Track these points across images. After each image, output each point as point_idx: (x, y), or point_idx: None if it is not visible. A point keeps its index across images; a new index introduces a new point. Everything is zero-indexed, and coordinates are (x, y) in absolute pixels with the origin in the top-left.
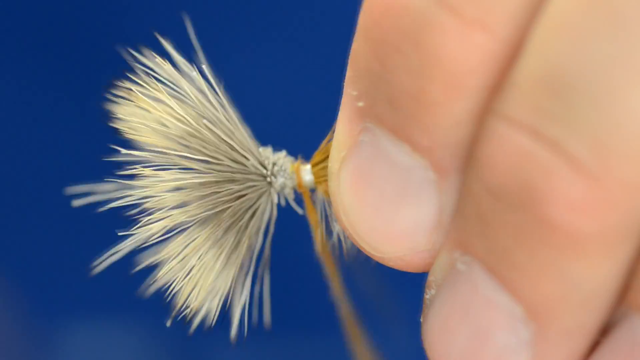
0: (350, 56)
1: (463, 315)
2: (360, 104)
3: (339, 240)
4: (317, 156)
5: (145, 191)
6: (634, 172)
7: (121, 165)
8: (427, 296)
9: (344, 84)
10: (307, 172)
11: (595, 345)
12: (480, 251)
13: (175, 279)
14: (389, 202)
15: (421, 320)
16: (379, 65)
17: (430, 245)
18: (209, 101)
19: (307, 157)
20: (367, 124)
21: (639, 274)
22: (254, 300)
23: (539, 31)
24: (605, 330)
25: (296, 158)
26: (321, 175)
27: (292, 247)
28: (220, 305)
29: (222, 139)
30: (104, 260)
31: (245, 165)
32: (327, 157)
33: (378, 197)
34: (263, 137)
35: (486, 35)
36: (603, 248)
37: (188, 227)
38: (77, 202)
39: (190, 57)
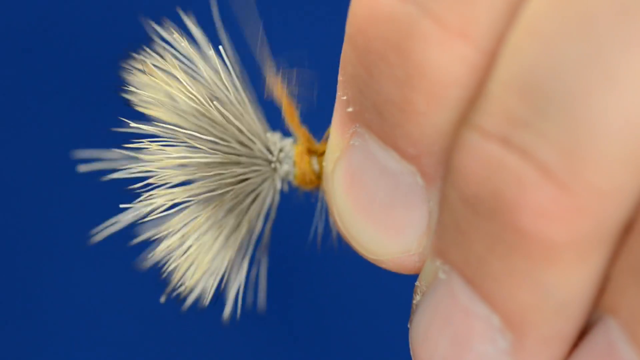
0: (340, 61)
1: (443, 324)
2: (350, 109)
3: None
4: (322, 146)
5: (150, 165)
6: (604, 178)
7: (129, 137)
8: (414, 302)
9: (337, 87)
10: (314, 162)
11: (573, 348)
12: (458, 260)
13: (173, 256)
14: (380, 206)
15: (408, 325)
16: (365, 72)
17: (421, 248)
18: (222, 81)
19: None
20: (357, 128)
21: (613, 278)
22: (250, 284)
23: (512, 37)
24: (582, 333)
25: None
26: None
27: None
28: (215, 285)
29: (231, 121)
30: (103, 230)
31: (252, 149)
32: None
33: (369, 200)
34: (276, 121)
35: (468, 45)
36: (575, 255)
37: (189, 206)
38: (83, 168)
39: (214, 35)
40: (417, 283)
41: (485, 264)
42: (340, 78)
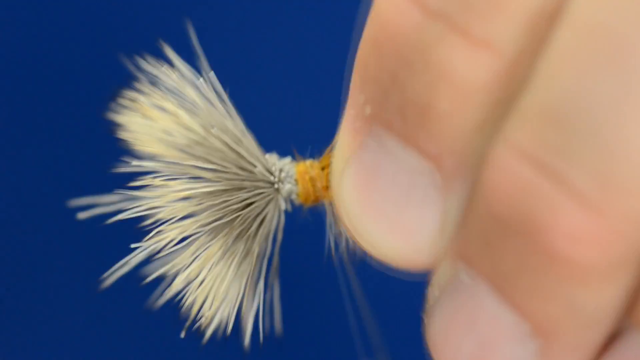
0: (357, 62)
1: (469, 326)
2: (368, 110)
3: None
4: (323, 161)
5: (154, 202)
6: (637, 205)
7: (129, 176)
8: (430, 295)
9: (350, 87)
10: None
11: (602, 349)
12: (485, 270)
13: (188, 289)
14: (393, 204)
15: (424, 317)
16: (388, 76)
17: (434, 247)
18: (216, 109)
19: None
20: (374, 128)
21: None
22: (266, 308)
23: (546, 62)
24: (611, 336)
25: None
26: (327, 182)
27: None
28: (233, 314)
29: (230, 147)
30: (113, 273)
31: (253, 173)
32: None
33: (382, 198)
34: (263, 142)
35: (492, 55)
36: (606, 276)
37: (199, 237)
38: (82, 215)
39: (194, 65)
40: (434, 278)
41: (514, 277)
42: (356, 79)
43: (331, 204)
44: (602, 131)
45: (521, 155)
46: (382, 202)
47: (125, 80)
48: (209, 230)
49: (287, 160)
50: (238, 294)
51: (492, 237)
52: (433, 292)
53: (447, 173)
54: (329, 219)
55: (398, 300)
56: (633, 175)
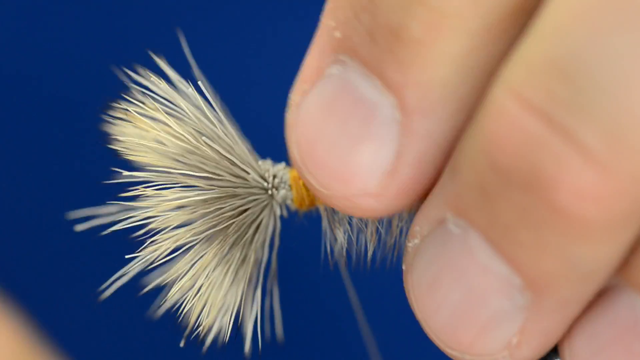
0: None
1: (456, 277)
2: (338, 34)
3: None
4: None
5: (148, 212)
6: None
7: (122, 187)
8: (409, 244)
9: (322, 15)
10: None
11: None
12: (480, 222)
13: (185, 298)
14: (348, 138)
15: (403, 268)
16: None
17: (381, 189)
18: (207, 117)
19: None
20: (339, 56)
21: (638, 253)
22: (265, 314)
23: (555, 12)
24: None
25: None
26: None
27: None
28: (232, 321)
29: (222, 155)
30: (111, 285)
31: (247, 180)
32: None
33: (337, 131)
34: (259, 148)
35: None
36: (606, 233)
37: (194, 245)
38: (79, 227)
39: (185, 74)
40: (414, 227)
41: (513, 231)
42: (329, 5)
43: (326, 208)
44: (612, 88)
45: (528, 106)
46: (336, 135)
47: (117, 91)
48: (204, 238)
49: (281, 166)
50: (236, 301)
51: (492, 188)
52: (413, 240)
53: (408, 108)
54: (324, 223)
55: (395, 304)
56: None
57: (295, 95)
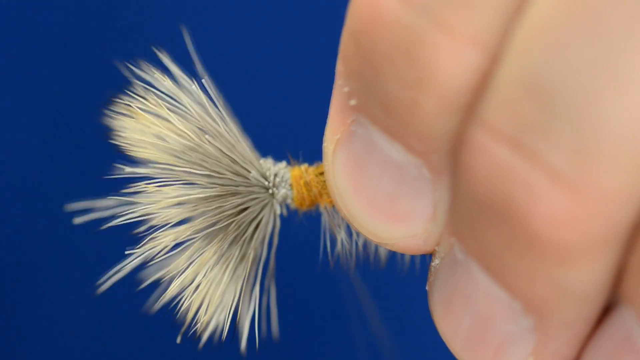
0: (340, 54)
1: (464, 302)
2: (353, 102)
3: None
4: (320, 168)
5: (149, 208)
6: (615, 180)
7: (124, 181)
8: (432, 264)
9: (336, 74)
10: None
11: (597, 323)
12: (474, 249)
13: (184, 295)
14: (385, 194)
15: (427, 289)
16: (370, 71)
17: (427, 233)
18: (210, 115)
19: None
20: (359, 118)
21: (628, 269)
22: (262, 312)
23: (520, 35)
24: (607, 308)
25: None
26: (322, 187)
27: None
28: (229, 319)
29: (224, 153)
30: (109, 278)
31: (248, 178)
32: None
33: (373, 188)
34: (258, 147)
35: (478, 52)
36: (589, 255)
37: (194, 243)
38: (78, 220)
39: (189, 70)
40: (436, 248)
41: (500, 257)
42: (340, 68)
43: (326, 208)
44: (576, 104)
45: (496, 135)
46: (373, 191)
47: (120, 85)
48: (203, 235)
49: (282, 165)
50: (234, 299)
51: (477, 218)
52: (435, 260)
53: (434, 168)
54: (324, 223)
55: (395, 303)
56: (610, 149)
57: (328, 144)
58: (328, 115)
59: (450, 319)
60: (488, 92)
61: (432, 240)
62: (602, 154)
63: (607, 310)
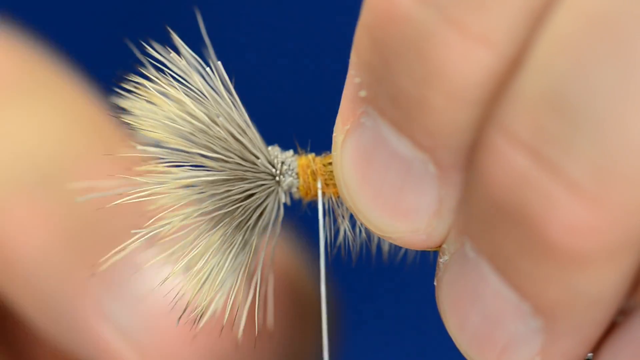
0: (354, 45)
1: (473, 300)
2: (363, 93)
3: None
4: (327, 158)
5: (157, 188)
6: (635, 196)
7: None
8: (440, 260)
9: (349, 66)
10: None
11: (610, 328)
12: (487, 250)
13: (185, 279)
14: (390, 187)
15: (435, 283)
16: (382, 64)
17: (430, 229)
18: (221, 98)
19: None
20: (368, 109)
21: None
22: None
23: (543, 47)
24: (622, 312)
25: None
26: (329, 177)
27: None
28: (229, 305)
29: (234, 137)
30: (110, 257)
31: (256, 164)
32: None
33: (378, 181)
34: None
35: (489, 51)
36: (604, 264)
37: (199, 226)
38: (79, 198)
39: (201, 54)
40: (444, 245)
41: (514, 262)
42: (353, 59)
43: (331, 199)
44: (598, 119)
45: (517, 143)
46: (378, 183)
47: (132, 65)
48: (209, 219)
49: (290, 153)
50: (233, 285)
51: (492, 220)
52: (443, 257)
53: (441, 165)
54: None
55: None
56: (630, 164)
57: (338, 134)
58: (340, 106)
59: (458, 315)
60: (508, 98)
61: (436, 236)
62: (623, 169)
63: (626, 314)
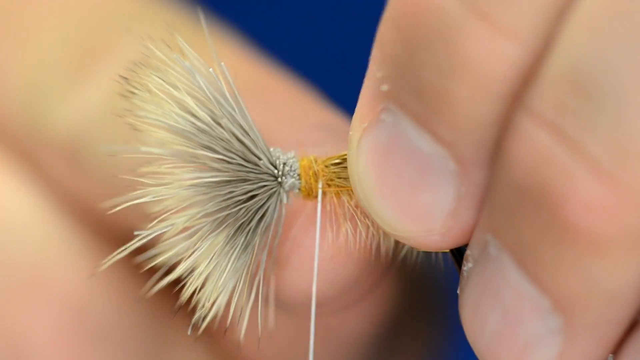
0: (378, 38)
1: (493, 300)
2: (385, 87)
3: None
4: (329, 159)
5: (160, 188)
6: None
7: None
8: (464, 268)
9: (370, 61)
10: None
11: (631, 328)
12: (508, 241)
13: (189, 279)
14: (406, 185)
15: (458, 292)
16: (406, 56)
17: (445, 229)
18: (224, 99)
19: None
20: (389, 105)
21: None
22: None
23: (567, 30)
24: None
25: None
26: (330, 178)
27: None
28: (232, 305)
29: (237, 138)
30: (112, 257)
31: (259, 165)
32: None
33: (395, 178)
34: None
35: (517, 45)
36: (624, 249)
37: (202, 227)
38: None
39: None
40: (468, 251)
41: (534, 249)
42: (375, 53)
43: (333, 199)
44: (619, 97)
45: (540, 121)
46: (395, 182)
47: (137, 65)
48: (212, 220)
49: (291, 154)
50: (236, 286)
51: (514, 206)
52: (467, 264)
53: (462, 160)
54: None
55: None
56: None
57: (355, 133)
58: (357, 105)
59: (478, 317)
60: (533, 83)
61: (450, 236)
62: None
63: None
